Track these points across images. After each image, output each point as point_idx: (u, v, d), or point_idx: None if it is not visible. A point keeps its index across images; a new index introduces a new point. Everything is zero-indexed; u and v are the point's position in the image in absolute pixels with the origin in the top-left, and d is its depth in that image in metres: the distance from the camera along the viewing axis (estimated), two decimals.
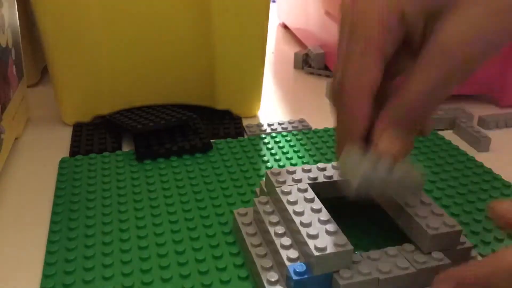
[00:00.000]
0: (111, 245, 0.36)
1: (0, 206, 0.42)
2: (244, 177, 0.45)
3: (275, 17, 1.01)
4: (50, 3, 0.48)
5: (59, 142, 0.52)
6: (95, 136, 0.52)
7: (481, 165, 0.48)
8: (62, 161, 0.48)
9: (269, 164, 0.48)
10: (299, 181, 0.36)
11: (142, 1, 0.50)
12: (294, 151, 0.50)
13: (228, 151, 0.50)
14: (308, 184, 0.35)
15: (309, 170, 0.37)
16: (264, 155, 0.49)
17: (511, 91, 0.61)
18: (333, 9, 0.67)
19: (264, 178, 0.45)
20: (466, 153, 0.50)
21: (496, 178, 0.46)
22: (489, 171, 0.47)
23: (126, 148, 0.51)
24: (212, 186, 0.44)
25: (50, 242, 0.36)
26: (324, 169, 0.37)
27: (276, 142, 0.52)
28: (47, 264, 0.34)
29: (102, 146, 0.50)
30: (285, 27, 0.98)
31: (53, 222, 0.39)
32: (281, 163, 0.48)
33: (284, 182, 0.36)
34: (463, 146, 0.53)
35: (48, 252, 0.35)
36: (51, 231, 0.38)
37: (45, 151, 0.50)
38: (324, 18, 0.71)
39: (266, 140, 0.52)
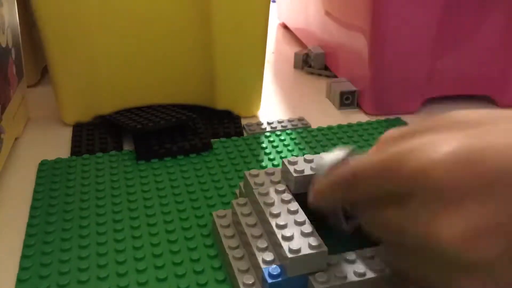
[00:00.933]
0: (88, 248, 0.36)
1: (0, 205, 0.42)
2: (225, 178, 0.45)
3: (275, 17, 1.01)
4: (50, 3, 0.48)
5: (59, 142, 0.52)
6: (95, 136, 0.52)
7: None
8: (42, 163, 0.47)
9: (251, 165, 0.47)
10: (278, 182, 0.36)
11: (142, 1, 0.50)
12: (277, 152, 0.50)
13: (211, 152, 0.50)
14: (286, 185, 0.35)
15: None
16: (246, 156, 0.49)
17: (511, 91, 0.61)
18: (333, 9, 0.67)
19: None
20: None
21: None
22: None
23: (127, 148, 0.51)
24: (192, 188, 0.43)
25: (26, 246, 0.36)
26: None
27: (258, 143, 0.52)
28: (22, 268, 0.34)
29: (103, 146, 0.50)
30: (285, 27, 0.98)
31: (29, 226, 0.38)
32: (263, 164, 0.48)
33: (262, 184, 0.35)
34: None
35: (24, 256, 0.35)
36: (27, 235, 0.37)
37: (45, 151, 0.50)
38: (324, 18, 0.71)
39: (248, 142, 0.52)
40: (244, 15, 0.51)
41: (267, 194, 0.34)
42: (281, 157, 0.49)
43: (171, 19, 0.52)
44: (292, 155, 0.49)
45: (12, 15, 0.50)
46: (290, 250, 0.29)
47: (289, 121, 0.57)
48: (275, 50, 0.87)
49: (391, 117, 0.59)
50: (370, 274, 0.30)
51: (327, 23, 0.70)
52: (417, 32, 0.55)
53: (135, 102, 0.57)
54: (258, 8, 0.52)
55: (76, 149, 0.50)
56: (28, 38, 0.62)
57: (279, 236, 0.30)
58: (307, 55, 0.74)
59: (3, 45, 0.46)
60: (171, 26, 0.52)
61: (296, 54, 0.76)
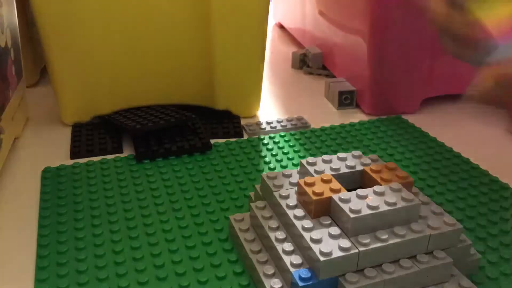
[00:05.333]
0: (104, 257, 0.35)
1: (0, 205, 0.41)
2: (236, 181, 0.45)
3: (271, 17, 1.01)
4: (49, 3, 0.47)
5: (59, 142, 0.51)
6: (95, 137, 0.51)
7: (477, 167, 0.49)
8: (45, 171, 0.46)
9: (259, 167, 0.47)
10: (296, 184, 0.35)
11: (142, 2, 0.49)
12: (283, 153, 0.50)
13: (216, 154, 0.49)
14: None
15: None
16: (253, 158, 0.49)
17: None
18: (331, 10, 0.67)
19: (256, 182, 0.44)
20: (452, 149, 0.51)
21: (483, 173, 0.46)
22: (477, 167, 0.48)
23: (127, 148, 0.50)
24: (203, 192, 0.43)
25: (39, 245, 0.35)
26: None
27: (264, 145, 0.51)
28: (40, 257, 0.33)
29: (103, 146, 0.50)
30: (281, 27, 0.97)
31: (41, 226, 0.37)
32: (271, 165, 0.48)
33: (281, 186, 0.35)
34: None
35: (39, 256, 0.34)
36: (40, 235, 0.37)
37: (44, 151, 0.49)
38: (321, 19, 0.70)
39: (254, 143, 0.52)
40: (244, 16, 0.51)
41: (288, 196, 0.34)
42: (288, 158, 0.49)
43: (170, 20, 0.51)
44: (299, 156, 0.49)
45: (11, 15, 0.49)
46: (322, 253, 0.28)
47: (288, 120, 0.57)
48: (272, 50, 0.86)
49: (391, 115, 0.59)
50: (399, 273, 0.30)
51: (325, 24, 0.70)
52: (415, 32, 0.55)
53: (134, 102, 0.56)
54: (258, 9, 0.51)
55: (76, 149, 0.49)
56: (27, 38, 0.61)
57: (308, 239, 0.30)
58: (304, 55, 0.74)
59: (2, 45, 0.45)
60: (170, 27, 0.51)
61: (293, 54, 0.76)
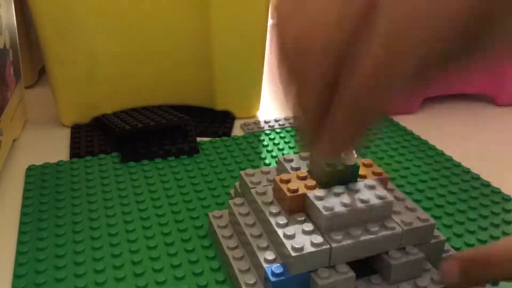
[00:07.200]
0: (83, 254, 0.35)
1: (1, 206, 0.41)
2: (218, 178, 0.45)
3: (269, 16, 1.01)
4: (47, 4, 0.47)
5: (57, 144, 0.51)
6: (94, 138, 0.51)
7: (459, 165, 0.49)
8: (29, 168, 0.46)
9: (242, 165, 0.47)
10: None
11: (141, 2, 0.50)
12: (267, 151, 0.50)
13: (201, 153, 0.49)
14: None
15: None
16: (237, 156, 0.49)
17: (508, 89, 0.62)
18: None
19: (238, 180, 0.44)
20: (436, 148, 0.51)
21: (465, 171, 0.47)
22: (459, 165, 0.48)
23: None
24: (185, 189, 0.43)
25: (20, 242, 0.35)
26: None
27: (249, 143, 0.52)
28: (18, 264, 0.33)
29: (102, 147, 0.50)
30: None
31: (21, 233, 0.37)
32: (254, 163, 0.48)
33: (259, 183, 0.35)
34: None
35: (19, 252, 0.34)
36: (21, 232, 0.37)
37: (43, 153, 0.49)
38: None
39: (238, 141, 0.52)
40: (244, 15, 0.51)
41: (265, 193, 0.34)
42: (272, 156, 0.49)
43: (170, 20, 0.51)
44: (283, 154, 0.50)
45: (9, 15, 0.49)
46: (294, 249, 0.29)
47: (286, 119, 0.57)
48: (270, 50, 0.87)
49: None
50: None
51: None
52: None
53: (133, 103, 0.56)
54: (258, 9, 0.52)
55: (76, 151, 0.49)
56: (25, 39, 0.61)
57: (281, 235, 0.30)
58: None
59: (1, 47, 0.45)
60: (170, 27, 0.51)
61: None
